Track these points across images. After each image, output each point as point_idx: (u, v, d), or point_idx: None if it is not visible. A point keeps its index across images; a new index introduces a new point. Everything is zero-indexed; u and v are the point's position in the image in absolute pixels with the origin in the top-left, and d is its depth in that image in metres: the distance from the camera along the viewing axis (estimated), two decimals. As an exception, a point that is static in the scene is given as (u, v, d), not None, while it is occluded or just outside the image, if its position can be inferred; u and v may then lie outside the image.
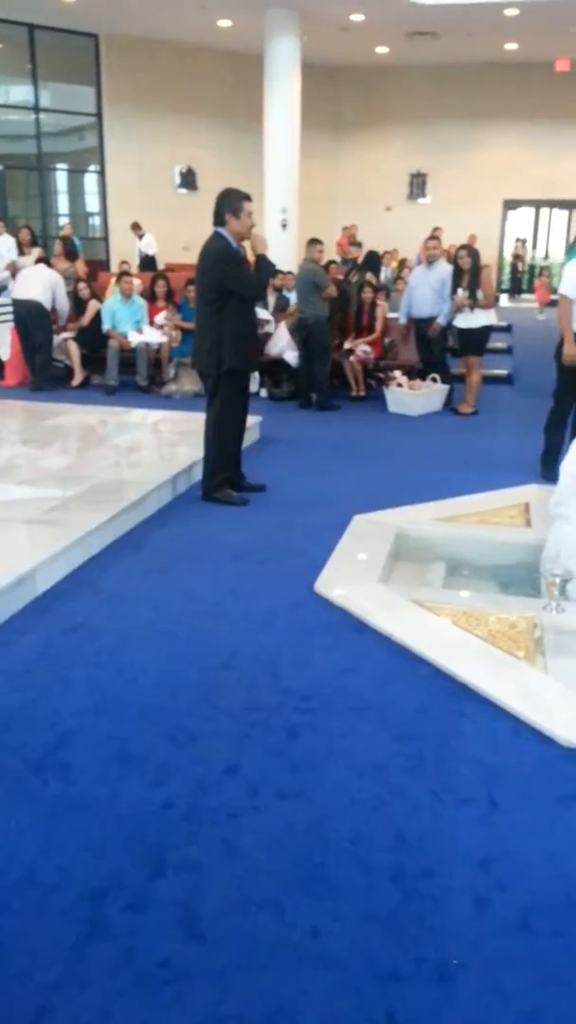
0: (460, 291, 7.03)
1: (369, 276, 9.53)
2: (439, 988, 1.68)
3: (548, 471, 5.32)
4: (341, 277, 8.91)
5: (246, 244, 4.56)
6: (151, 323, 8.43)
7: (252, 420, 6.07)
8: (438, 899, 1.90)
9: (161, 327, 8.34)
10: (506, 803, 2.23)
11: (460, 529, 4.17)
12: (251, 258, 4.62)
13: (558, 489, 3.69)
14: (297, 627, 3.21)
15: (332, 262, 9.08)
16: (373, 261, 11.89)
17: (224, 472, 4.74)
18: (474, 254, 7.13)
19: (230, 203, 4.45)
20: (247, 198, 4.50)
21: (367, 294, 8.23)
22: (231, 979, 1.69)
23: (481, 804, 2.22)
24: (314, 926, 1.82)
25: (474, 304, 7.00)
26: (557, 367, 5.25)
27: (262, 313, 7.93)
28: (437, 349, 7.70)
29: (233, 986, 1.67)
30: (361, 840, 2.08)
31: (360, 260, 12.03)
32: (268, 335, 8.09)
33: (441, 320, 7.40)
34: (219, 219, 4.46)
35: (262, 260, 4.56)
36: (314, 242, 7.62)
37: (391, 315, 8.30)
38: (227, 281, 4.41)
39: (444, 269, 7.47)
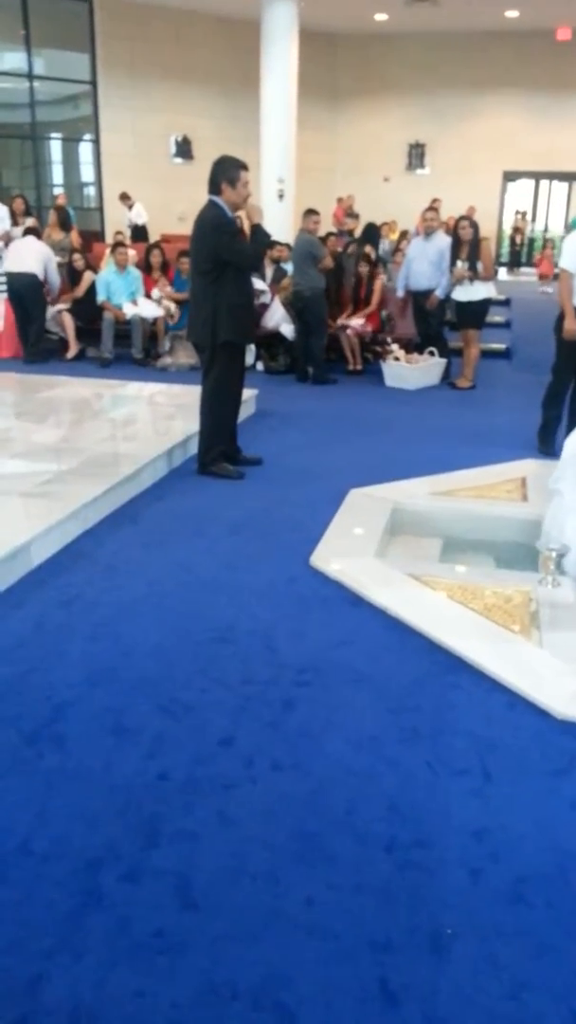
0: (460, 263, 6.95)
1: (368, 249, 9.43)
2: (432, 958, 1.69)
3: (545, 446, 5.30)
4: (340, 250, 8.81)
5: (241, 214, 4.48)
6: (147, 295, 8.35)
7: (248, 393, 6.03)
8: (432, 870, 1.91)
9: (158, 301, 8.26)
10: (500, 775, 2.23)
11: (456, 503, 4.16)
12: (247, 229, 4.54)
13: (560, 464, 3.67)
14: (293, 601, 3.20)
15: (331, 234, 8.98)
16: (372, 233, 11.76)
17: (220, 446, 4.68)
18: (474, 226, 7.04)
19: (226, 172, 4.34)
20: (244, 167, 4.39)
21: (363, 267, 8.14)
22: (225, 948, 1.70)
23: (475, 776, 2.23)
24: (308, 896, 1.83)
25: (474, 276, 6.93)
26: (556, 341, 5.22)
27: (258, 284, 7.83)
28: (435, 322, 7.64)
29: (227, 955, 1.68)
30: (355, 811, 2.09)
31: (358, 232, 11.91)
32: (264, 306, 8.01)
33: (439, 293, 7.34)
34: (215, 188, 4.37)
35: (257, 230, 4.48)
36: (310, 212, 7.51)
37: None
38: (222, 251, 4.32)
39: (442, 241, 7.39)
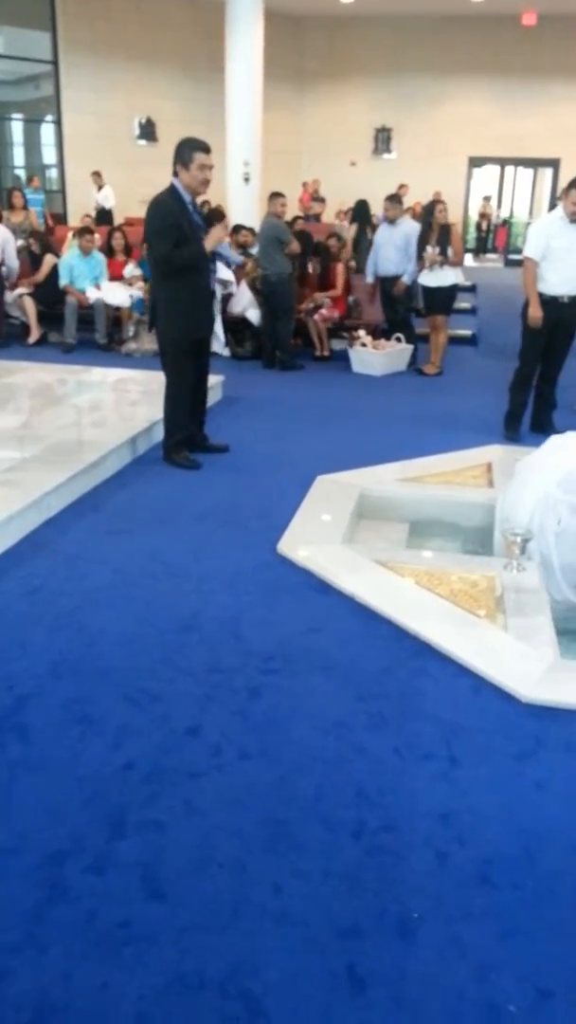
0: (430, 248, 6.95)
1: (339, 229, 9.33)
2: (399, 942, 1.69)
3: (511, 431, 5.34)
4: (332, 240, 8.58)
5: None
6: (120, 278, 8.24)
7: (215, 379, 5.98)
8: (399, 854, 1.92)
9: (130, 283, 8.16)
10: (466, 759, 2.24)
11: (423, 489, 4.17)
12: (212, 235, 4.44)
13: (538, 453, 3.62)
14: (260, 588, 3.19)
15: (297, 217, 8.90)
16: (363, 211, 11.58)
17: (177, 435, 4.59)
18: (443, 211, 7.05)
19: (181, 153, 4.17)
20: (202, 148, 4.18)
21: (332, 242, 8.10)
22: (192, 938, 1.69)
23: (442, 760, 2.24)
24: (276, 884, 1.82)
25: (444, 261, 6.94)
26: (522, 328, 5.24)
27: (224, 272, 7.73)
28: (401, 308, 7.64)
29: (194, 945, 1.67)
30: (323, 797, 2.09)
31: (324, 217, 11.78)
32: (230, 295, 7.94)
33: (406, 279, 7.34)
34: (173, 168, 4.22)
35: (197, 245, 4.25)
36: (276, 196, 7.44)
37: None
38: (149, 241, 4.19)
39: (409, 227, 7.39)
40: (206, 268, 4.48)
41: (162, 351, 4.51)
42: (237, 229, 9.12)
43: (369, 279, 7.71)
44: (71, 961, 1.63)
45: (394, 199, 7.72)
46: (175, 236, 4.16)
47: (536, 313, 5.03)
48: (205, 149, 4.19)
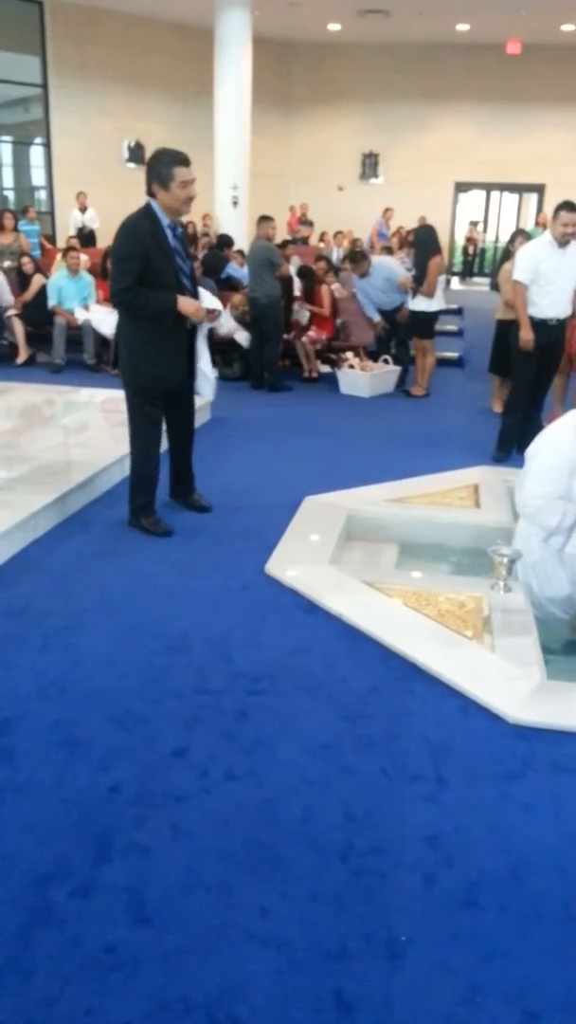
0: (406, 270, 7.07)
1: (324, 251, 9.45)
2: (387, 965, 1.69)
3: (501, 453, 5.37)
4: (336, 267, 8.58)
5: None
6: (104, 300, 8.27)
7: (202, 401, 6.01)
8: (386, 876, 1.91)
9: None
10: (454, 780, 2.25)
11: (411, 510, 4.19)
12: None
13: (543, 438, 3.54)
14: (248, 609, 3.19)
15: (286, 241, 8.99)
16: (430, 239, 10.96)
17: (146, 495, 3.91)
18: (422, 240, 7.14)
19: (158, 170, 3.51)
20: (181, 161, 3.51)
21: (321, 266, 8.18)
22: (178, 962, 1.68)
23: (429, 782, 2.24)
24: (262, 907, 1.81)
25: (416, 289, 7.04)
26: (512, 351, 5.29)
27: (209, 300, 7.75)
28: (401, 331, 7.69)
29: (180, 969, 1.66)
30: (311, 819, 2.08)
31: (312, 239, 11.82)
32: (216, 321, 7.97)
33: (408, 305, 7.37)
34: (149, 188, 3.59)
35: (168, 297, 3.58)
36: (266, 219, 7.52)
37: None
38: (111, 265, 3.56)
39: (386, 268, 7.49)
40: (176, 315, 3.65)
41: (125, 394, 3.86)
42: (222, 244, 9.22)
43: (376, 318, 7.74)
44: (56, 986, 1.62)
45: (355, 257, 7.74)
46: (138, 268, 3.52)
47: (527, 336, 5.07)
48: (185, 162, 3.53)
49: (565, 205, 4.95)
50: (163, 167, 3.52)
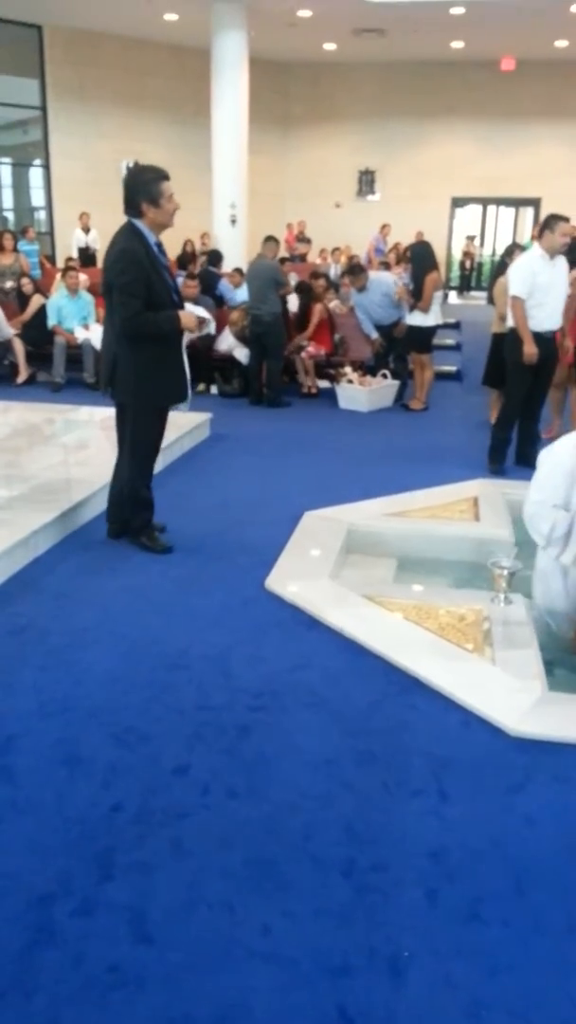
0: (404, 283, 7.12)
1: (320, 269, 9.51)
2: (390, 981, 1.68)
3: (495, 465, 5.39)
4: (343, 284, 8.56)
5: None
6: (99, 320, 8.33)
7: (202, 417, 6.05)
8: (389, 892, 1.91)
9: None
10: (456, 794, 2.24)
11: (410, 524, 4.20)
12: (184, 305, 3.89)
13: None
14: (248, 624, 3.19)
15: (285, 259, 9.05)
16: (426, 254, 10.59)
17: (149, 510, 3.94)
18: (418, 256, 7.20)
19: (146, 188, 3.51)
20: (165, 176, 3.56)
21: (319, 283, 8.23)
22: (181, 981, 1.67)
23: (431, 796, 2.23)
24: (265, 924, 1.81)
25: (413, 305, 7.09)
26: (509, 365, 5.32)
27: (199, 311, 7.77)
28: (399, 346, 7.73)
29: (183, 988, 1.65)
30: (313, 835, 2.08)
31: (310, 256, 11.89)
32: (210, 335, 8.01)
33: (406, 320, 7.41)
34: (133, 208, 3.56)
35: (171, 315, 3.62)
36: (271, 240, 7.64)
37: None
38: (116, 294, 3.55)
39: (383, 283, 7.54)
40: (180, 332, 3.71)
41: (121, 408, 3.84)
42: (213, 259, 9.28)
43: (374, 336, 7.77)
44: (58, 1006, 1.61)
45: (353, 270, 7.80)
46: (145, 294, 3.54)
47: (531, 350, 5.09)
48: (167, 176, 3.58)
49: (560, 217, 5.03)
50: (151, 185, 3.53)
